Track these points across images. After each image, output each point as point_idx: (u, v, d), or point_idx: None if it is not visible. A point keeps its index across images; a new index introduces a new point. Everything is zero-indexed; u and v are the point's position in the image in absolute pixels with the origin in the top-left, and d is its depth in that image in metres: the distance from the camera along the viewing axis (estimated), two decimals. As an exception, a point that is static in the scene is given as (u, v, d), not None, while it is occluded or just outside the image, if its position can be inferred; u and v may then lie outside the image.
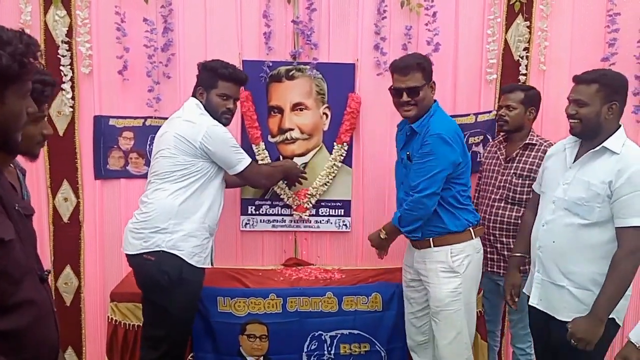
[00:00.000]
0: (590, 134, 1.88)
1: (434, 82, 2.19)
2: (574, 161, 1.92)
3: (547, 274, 1.94)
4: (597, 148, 1.85)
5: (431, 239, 2.19)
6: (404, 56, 2.28)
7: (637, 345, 1.52)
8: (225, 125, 2.21)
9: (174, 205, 2.08)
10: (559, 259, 1.90)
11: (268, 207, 2.83)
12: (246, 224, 2.82)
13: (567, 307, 1.88)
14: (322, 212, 2.85)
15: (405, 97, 2.11)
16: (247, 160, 2.22)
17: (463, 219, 2.19)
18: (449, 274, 2.16)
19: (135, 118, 2.69)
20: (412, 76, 2.10)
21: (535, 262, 2.00)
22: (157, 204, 2.10)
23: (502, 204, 2.46)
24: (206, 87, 2.20)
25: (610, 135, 1.85)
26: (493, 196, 2.50)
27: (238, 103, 2.32)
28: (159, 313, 2.09)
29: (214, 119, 2.17)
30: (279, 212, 2.84)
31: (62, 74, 2.61)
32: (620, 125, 1.88)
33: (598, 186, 1.80)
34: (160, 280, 2.05)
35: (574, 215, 1.85)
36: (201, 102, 2.20)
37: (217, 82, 2.18)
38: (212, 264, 2.26)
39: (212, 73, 2.19)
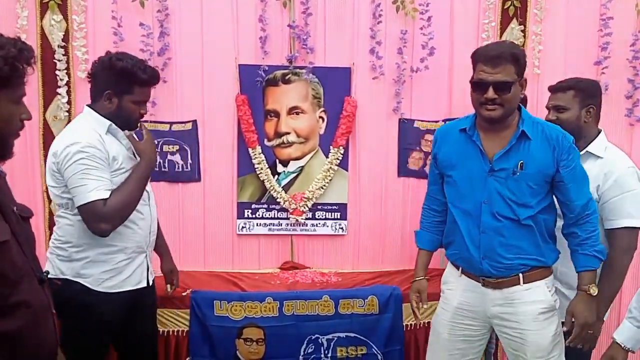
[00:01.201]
0: None
1: (525, 80, 1.79)
2: None
3: None
4: (582, 153, 1.90)
5: (521, 275, 1.76)
6: (494, 43, 1.93)
7: (623, 346, 1.53)
8: (135, 129, 1.98)
9: (74, 231, 1.85)
10: None
11: (264, 210, 2.83)
12: (242, 227, 2.82)
13: (559, 308, 1.90)
14: (318, 216, 2.85)
15: (491, 94, 1.70)
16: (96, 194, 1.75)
17: (555, 246, 1.84)
18: (549, 314, 1.77)
19: (132, 122, 2.69)
20: (503, 68, 1.69)
21: None
22: (58, 231, 1.91)
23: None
24: (118, 92, 1.87)
25: (592, 140, 1.93)
26: None
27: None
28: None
29: (125, 126, 1.93)
30: (276, 216, 2.84)
31: (59, 78, 2.61)
32: (600, 130, 1.95)
33: None
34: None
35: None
36: (109, 108, 1.88)
37: (133, 88, 1.88)
38: (148, 283, 2.03)
39: (128, 78, 1.85)
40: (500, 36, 2.80)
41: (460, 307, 1.85)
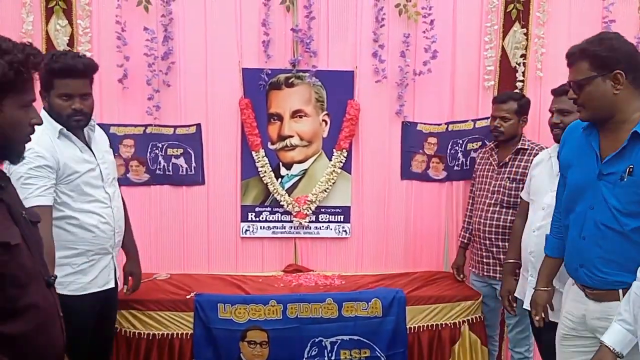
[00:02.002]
0: None
1: (620, 73, 1.52)
2: None
3: None
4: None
5: (620, 291, 1.57)
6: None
7: (612, 349, 1.47)
8: (81, 127, 1.92)
9: None
10: None
11: (268, 213, 2.84)
12: (246, 230, 2.83)
13: (557, 308, 1.90)
14: (321, 219, 2.86)
15: (570, 94, 1.64)
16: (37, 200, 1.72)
17: None
18: None
19: (136, 126, 2.70)
20: (575, 67, 1.60)
21: (528, 267, 2.04)
22: None
23: (497, 208, 2.48)
24: (45, 89, 1.84)
25: None
26: (487, 201, 2.53)
27: (91, 99, 1.92)
28: None
29: (64, 123, 1.87)
30: (279, 219, 2.85)
31: (63, 82, 2.63)
32: None
33: None
34: None
35: None
36: (46, 108, 1.86)
37: (53, 82, 1.82)
38: (116, 284, 2.05)
39: (45, 72, 1.76)
40: (503, 39, 2.80)
41: (565, 317, 1.73)
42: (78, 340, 1.89)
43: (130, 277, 2.25)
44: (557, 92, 1.99)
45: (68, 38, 2.62)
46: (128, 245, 2.21)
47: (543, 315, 1.85)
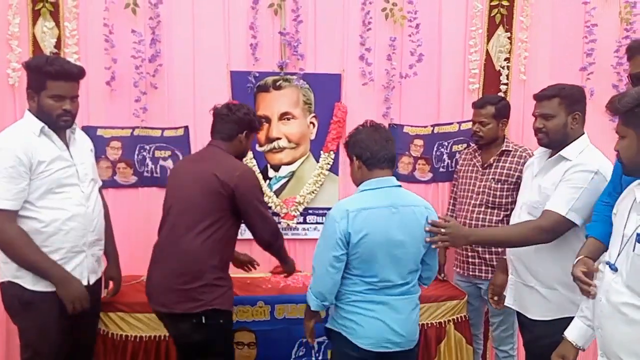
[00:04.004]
0: (557, 144, 1.97)
1: None
2: (540, 169, 2.02)
3: (519, 275, 2.03)
4: (555, 156, 1.95)
5: None
6: None
7: (574, 344, 1.55)
8: (68, 127, 1.99)
9: None
10: (526, 261, 1.99)
11: (256, 215, 2.85)
12: (234, 232, 2.84)
13: (536, 306, 1.97)
14: (309, 220, 2.88)
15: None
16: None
17: None
18: None
19: (123, 128, 2.70)
20: (635, 59, 1.68)
21: (509, 265, 2.08)
22: None
23: (482, 209, 2.52)
24: (35, 89, 1.92)
25: (571, 143, 1.94)
26: (472, 201, 2.56)
27: (77, 101, 2.01)
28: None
29: (52, 124, 1.93)
30: (267, 220, 2.86)
31: (50, 84, 2.62)
32: (583, 133, 1.97)
33: (548, 188, 1.91)
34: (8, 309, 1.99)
35: (533, 217, 1.94)
36: (34, 108, 1.94)
37: (45, 83, 1.90)
38: (89, 283, 2.05)
39: (38, 72, 1.90)
40: (487, 43, 2.85)
41: None
42: (51, 338, 1.96)
43: (110, 282, 2.28)
44: (539, 97, 2.02)
45: (55, 40, 2.61)
46: (108, 250, 2.23)
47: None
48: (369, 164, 1.84)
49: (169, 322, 2.12)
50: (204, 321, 2.00)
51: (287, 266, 2.40)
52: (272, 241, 2.18)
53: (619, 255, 1.39)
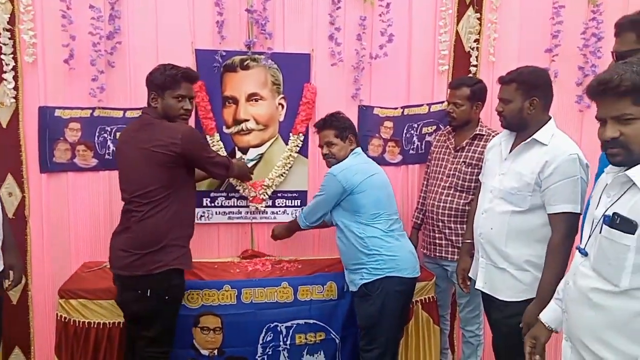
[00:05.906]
0: (516, 127, 1.99)
1: None
2: (510, 153, 2.01)
3: (489, 258, 2.02)
4: (528, 140, 1.94)
5: None
6: None
7: (547, 326, 1.58)
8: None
9: None
10: (497, 244, 1.99)
11: (223, 199, 2.80)
12: (201, 216, 2.78)
13: (508, 288, 1.97)
14: (278, 203, 2.84)
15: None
16: None
17: None
18: None
19: (83, 109, 2.59)
20: (623, 37, 1.70)
21: (478, 248, 2.08)
22: None
23: (451, 192, 2.52)
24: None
25: (540, 127, 1.94)
26: (442, 184, 2.56)
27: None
28: None
29: None
30: (235, 204, 2.81)
31: (4, 63, 2.49)
32: (550, 118, 1.97)
33: (528, 176, 1.90)
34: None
35: (509, 203, 1.95)
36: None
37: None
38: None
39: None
40: (457, 24, 2.83)
41: None
42: None
43: (10, 271, 2.17)
44: (500, 81, 2.01)
45: (9, 16, 2.47)
46: (6, 240, 2.12)
47: None
48: None
49: (121, 286, 2.16)
50: (149, 294, 2.07)
51: (246, 177, 2.62)
52: (226, 173, 2.32)
53: (589, 238, 1.40)
